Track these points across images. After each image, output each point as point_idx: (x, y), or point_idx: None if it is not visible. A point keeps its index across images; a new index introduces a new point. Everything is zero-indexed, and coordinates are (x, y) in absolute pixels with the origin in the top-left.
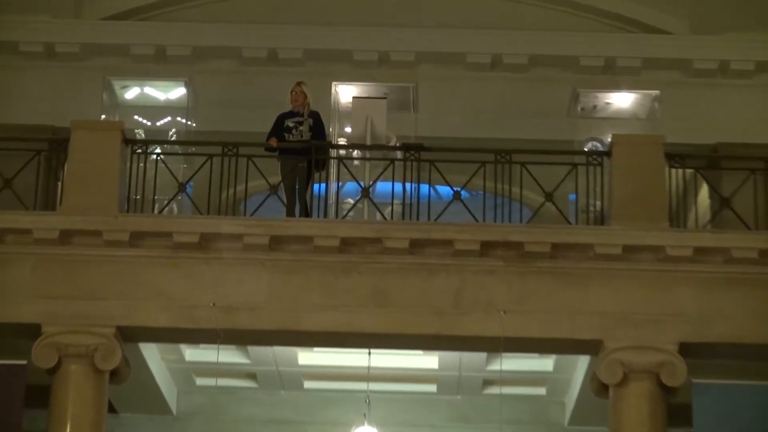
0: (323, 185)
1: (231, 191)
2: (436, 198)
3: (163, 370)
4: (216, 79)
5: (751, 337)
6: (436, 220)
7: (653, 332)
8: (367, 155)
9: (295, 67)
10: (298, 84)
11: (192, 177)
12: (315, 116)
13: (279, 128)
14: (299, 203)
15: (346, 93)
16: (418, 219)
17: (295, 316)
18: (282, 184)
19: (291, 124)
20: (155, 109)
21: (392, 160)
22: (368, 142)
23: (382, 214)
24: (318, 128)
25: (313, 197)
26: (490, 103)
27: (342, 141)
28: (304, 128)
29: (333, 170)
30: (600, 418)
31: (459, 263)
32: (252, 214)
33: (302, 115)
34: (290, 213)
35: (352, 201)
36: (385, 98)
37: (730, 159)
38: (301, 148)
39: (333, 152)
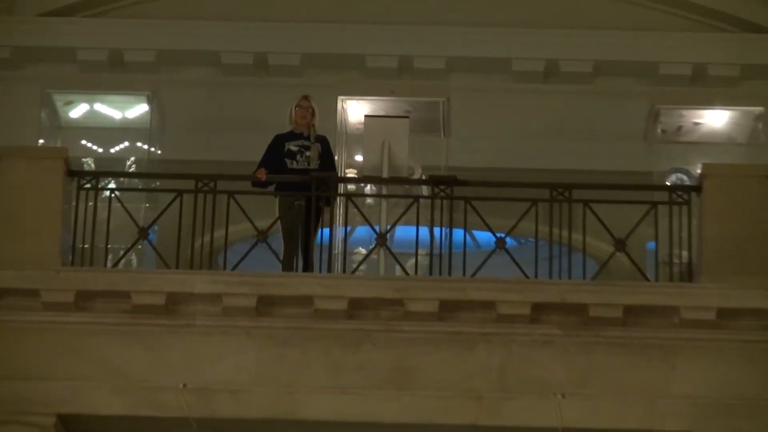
0: (326, 231)
1: (207, 238)
2: (474, 247)
3: None
4: (188, 93)
5: None
6: (473, 275)
7: (760, 423)
8: (384, 191)
9: (289, 77)
10: (305, 98)
11: (157, 220)
12: (324, 142)
13: (275, 154)
14: (301, 254)
15: (355, 111)
16: (450, 274)
17: (290, 402)
18: (280, 225)
19: (294, 148)
20: (109, 132)
21: (416, 198)
22: (385, 175)
23: (404, 268)
24: (328, 158)
25: (315, 246)
26: (543, 124)
27: (351, 173)
28: (312, 154)
29: (339, 210)
30: None
31: (503, 332)
32: (235, 268)
33: (308, 139)
34: (288, 266)
35: (364, 251)
36: (407, 117)
37: None
38: (305, 179)
39: (340, 188)
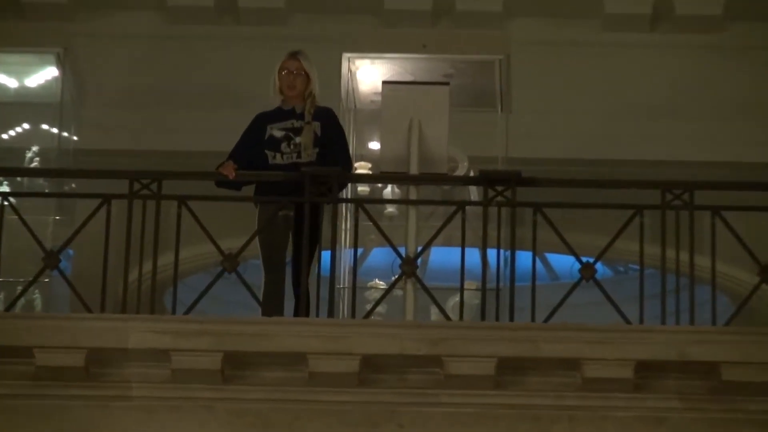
0: (326, 254)
1: (148, 267)
2: (548, 278)
3: None
4: (117, 51)
5: None
6: (547, 320)
7: None
8: (413, 195)
9: (270, 26)
10: (293, 57)
11: (72, 239)
12: (326, 117)
13: (254, 142)
14: (293, 290)
15: (369, 75)
16: (512, 319)
17: None
18: (258, 246)
19: (279, 134)
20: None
21: (461, 205)
22: (414, 171)
23: (443, 310)
24: (335, 140)
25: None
26: (649, 95)
27: (362, 169)
28: (304, 140)
29: (346, 224)
30: None
31: (593, 405)
32: (189, 311)
33: (301, 116)
34: (270, 307)
35: (383, 284)
36: (446, 84)
37: None
38: (295, 177)
39: (346, 190)
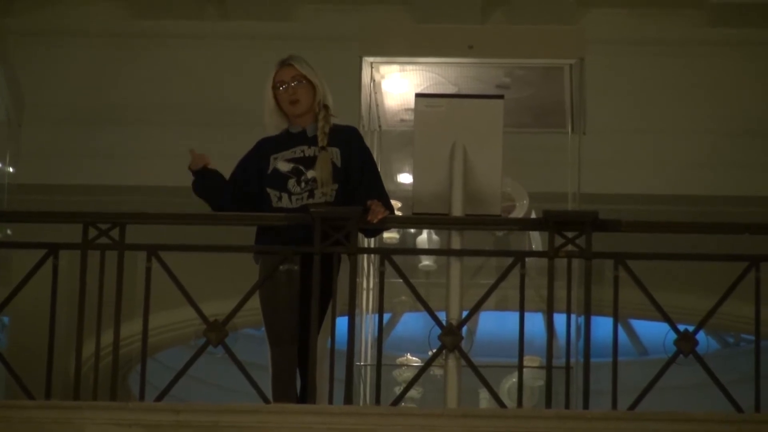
0: (342, 320)
1: (108, 338)
2: (633, 351)
3: None
4: (66, 55)
5: None
6: (633, 407)
7: None
8: (456, 243)
9: (268, 22)
10: (284, 64)
11: (7, 303)
12: (348, 139)
13: (253, 176)
14: (301, 366)
15: (397, 85)
16: (587, 406)
17: None
18: (261, 310)
19: (285, 167)
20: None
21: (520, 256)
22: (458, 212)
23: (495, 395)
24: (362, 168)
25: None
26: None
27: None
28: (319, 173)
29: (369, 281)
30: None
31: None
32: (163, 396)
33: (314, 141)
34: (278, 389)
35: (416, 360)
36: (501, 98)
37: None
38: (300, 219)
39: (367, 238)
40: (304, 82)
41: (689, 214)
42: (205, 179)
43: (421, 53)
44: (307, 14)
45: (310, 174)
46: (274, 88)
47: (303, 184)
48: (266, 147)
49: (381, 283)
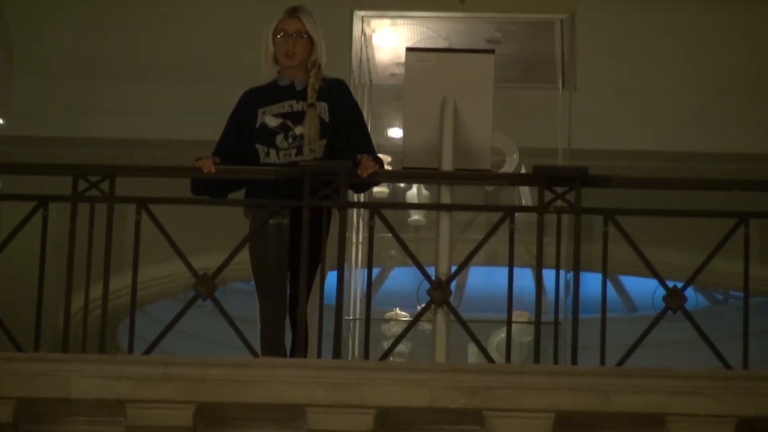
0: (333, 275)
1: (97, 291)
2: (624, 309)
3: None
4: (55, 10)
5: None
6: (621, 362)
7: None
8: (446, 198)
9: None
10: (293, 14)
11: None
12: (337, 94)
13: (243, 128)
14: (291, 320)
15: (388, 39)
16: (575, 362)
17: None
18: (250, 264)
19: (273, 122)
20: None
21: (509, 211)
22: (448, 166)
23: (484, 351)
24: (350, 123)
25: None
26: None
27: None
28: (307, 129)
29: (358, 236)
30: None
31: None
32: (152, 350)
33: (303, 95)
34: (268, 343)
35: (405, 315)
36: (491, 52)
37: None
38: (290, 173)
39: (356, 193)
40: (305, 37)
41: (679, 171)
42: (207, 188)
43: (412, 7)
44: None
45: (298, 130)
46: (275, 33)
47: (291, 140)
48: (253, 99)
49: (370, 238)
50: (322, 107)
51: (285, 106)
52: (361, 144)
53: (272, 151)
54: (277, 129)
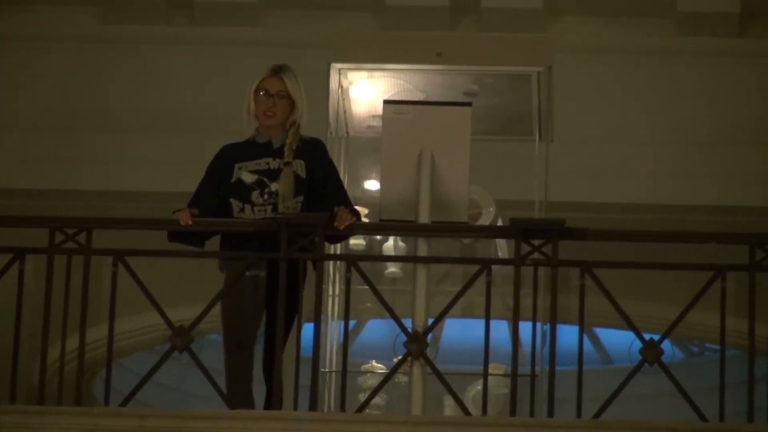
0: (309, 327)
1: (73, 343)
2: (599, 360)
3: None
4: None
5: None
6: (597, 415)
7: None
8: (423, 250)
9: (236, 27)
10: (275, 74)
11: None
12: (312, 151)
13: (219, 183)
14: (265, 373)
15: (365, 91)
16: (551, 414)
17: None
18: (221, 317)
19: (249, 178)
20: None
21: (486, 264)
22: (424, 219)
23: (461, 403)
24: (324, 178)
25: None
26: (740, 119)
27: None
28: (283, 187)
29: (334, 288)
30: None
31: None
32: (127, 402)
33: (279, 153)
34: (236, 397)
35: (381, 367)
36: (468, 105)
37: None
38: (268, 226)
39: (333, 245)
40: (286, 97)
41: (655, 223)
42: (184, 237)
43: (390, 60)
44: (276, 20)
45: (273, 187)
46: (257, 90)
47: (266, 196)
48: (230, 154)
49: (347, 290)
50: (299, 164)
51: (261, 163)
52: (337, 196)
53: (247, 207)
54: (252, 185)
